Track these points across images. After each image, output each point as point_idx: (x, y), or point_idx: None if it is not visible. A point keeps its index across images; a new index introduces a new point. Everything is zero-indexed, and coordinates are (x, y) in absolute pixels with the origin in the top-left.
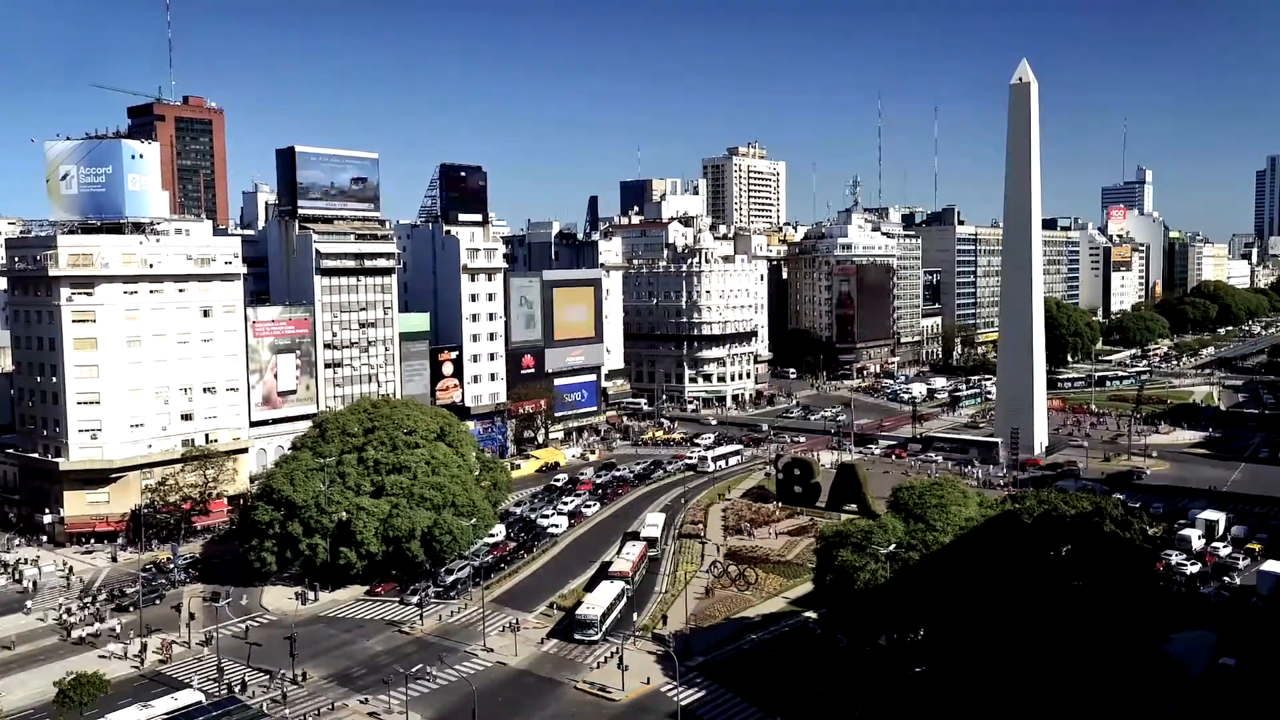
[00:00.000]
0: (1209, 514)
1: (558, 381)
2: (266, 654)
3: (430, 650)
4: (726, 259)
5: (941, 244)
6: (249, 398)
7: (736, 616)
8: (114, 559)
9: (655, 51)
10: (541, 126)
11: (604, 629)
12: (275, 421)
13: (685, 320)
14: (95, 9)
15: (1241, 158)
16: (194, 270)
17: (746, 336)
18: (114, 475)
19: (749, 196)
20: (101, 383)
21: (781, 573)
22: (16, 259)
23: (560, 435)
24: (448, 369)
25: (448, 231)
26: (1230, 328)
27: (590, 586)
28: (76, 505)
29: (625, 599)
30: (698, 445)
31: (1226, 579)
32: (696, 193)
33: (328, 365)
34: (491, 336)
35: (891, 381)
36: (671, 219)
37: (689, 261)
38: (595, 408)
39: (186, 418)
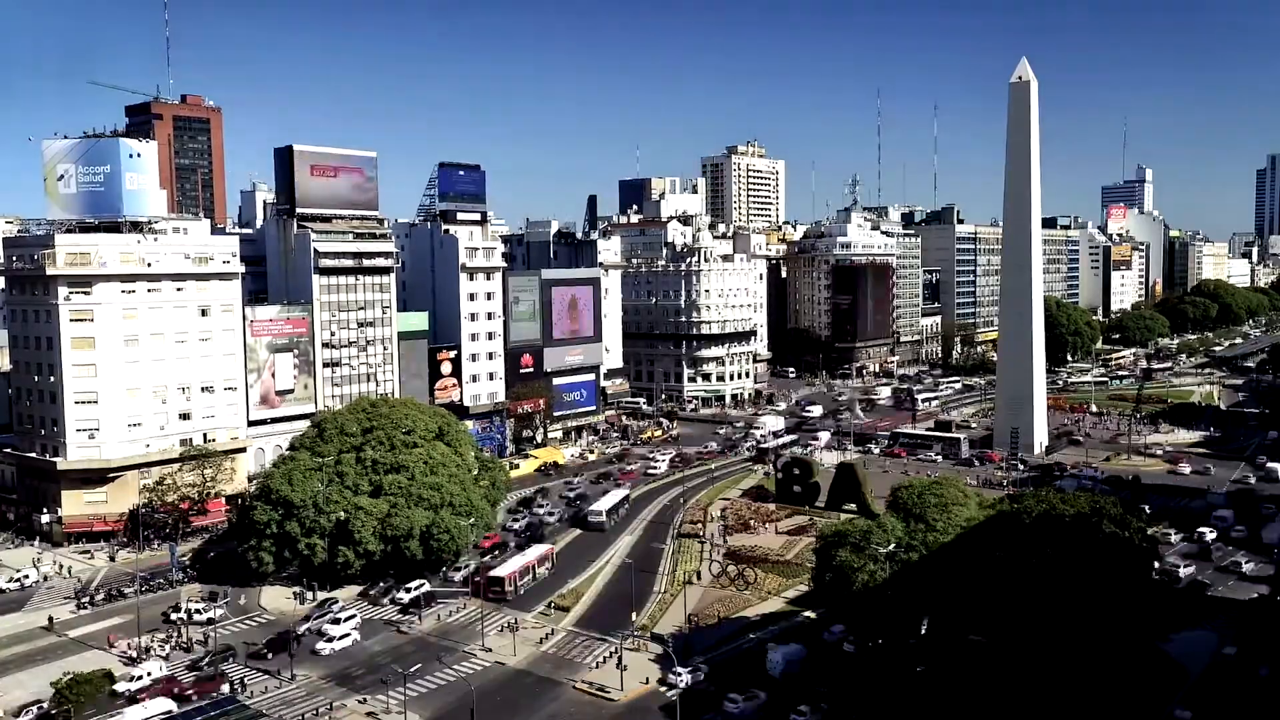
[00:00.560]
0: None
1: (556, 381)
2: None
3: (429, 650)
4: (725, 258)
5: (941, 243)
6: (247, 397)
7: (735, 616)
8: (112, 559)
9: (654, 50)
10: (540, 125)
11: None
12: (273, 421)
13: (684, 319)
14: (93, 7)
15: (1242, 156)
16: (192, 269)
17: (745, 336)
18: (112, 475)
19: (748, 195)
20: (99, 382)
21: (781, 572)
22: (14, 258)
23: (559, 434)
24: (446, 368)
25: (446, 230)
26: (1231, 326)
27: None
28: (74, 505)
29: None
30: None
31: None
32: (695, 192)
33: (326, 365)
34: (490, 336)
35: (896, 381)
36: (670, 218)
37: (688, 260)
38: (594, 407)
39: (184, 417)
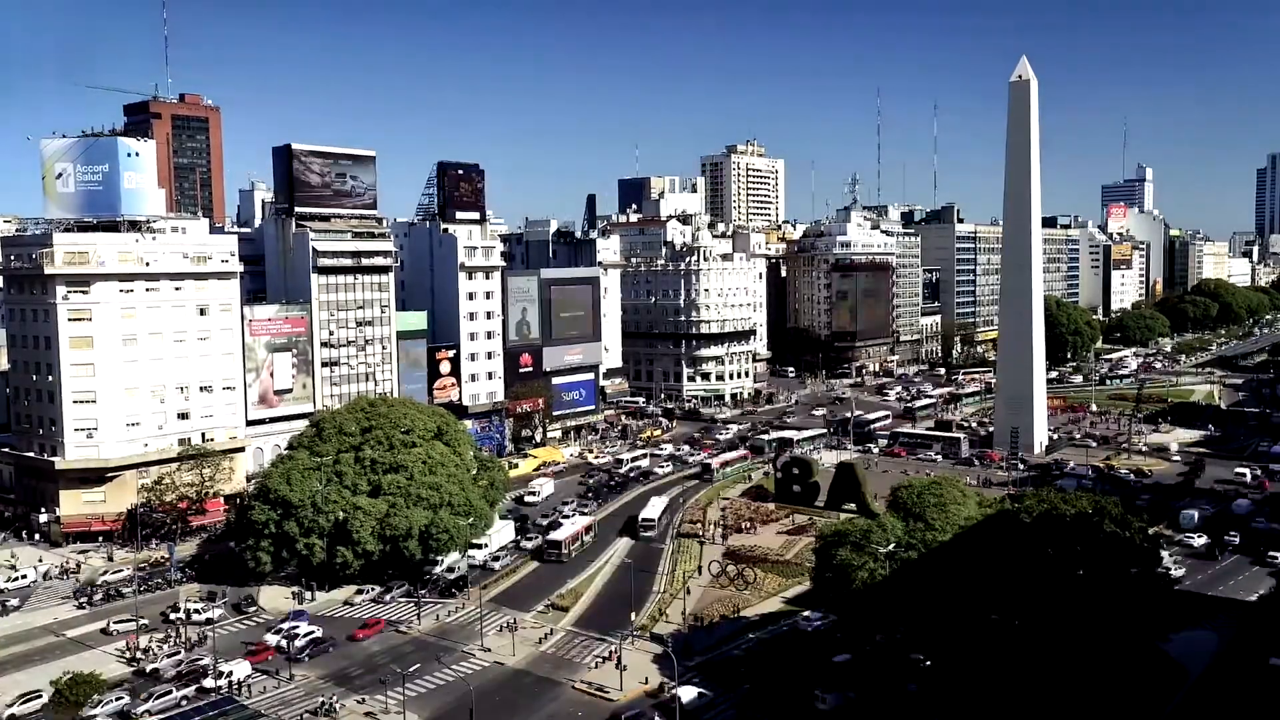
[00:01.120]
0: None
1: (555, 380)
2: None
3: (428, 650)
4: (725, 257)
5: (941, 242)
6: (245, 397)
7: (735, 616)
8: (110, 558)
9: (654, 49)
10: (539, 124)
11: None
12: (272, 420)
13: (683, 319)
14: (92, 6)
15: (1242, 155)
16: (190, 268)
17: (745, 335)
18: (110, 474)
19: (747, 194)
20: (97, 381)
21: (780, 572)
22: (12, 257)
23: (558, 434)
24: (445, 368)
25: (445, 230)
26: (1231, 325)
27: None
28: (72, 504)
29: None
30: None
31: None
32: (695, 191)
33: (324, 364)
34: (489, 335)
35: (896, 381)
36: (670, 217)
37: (687, 260)
38: (593, 406)
39: (183, 417)
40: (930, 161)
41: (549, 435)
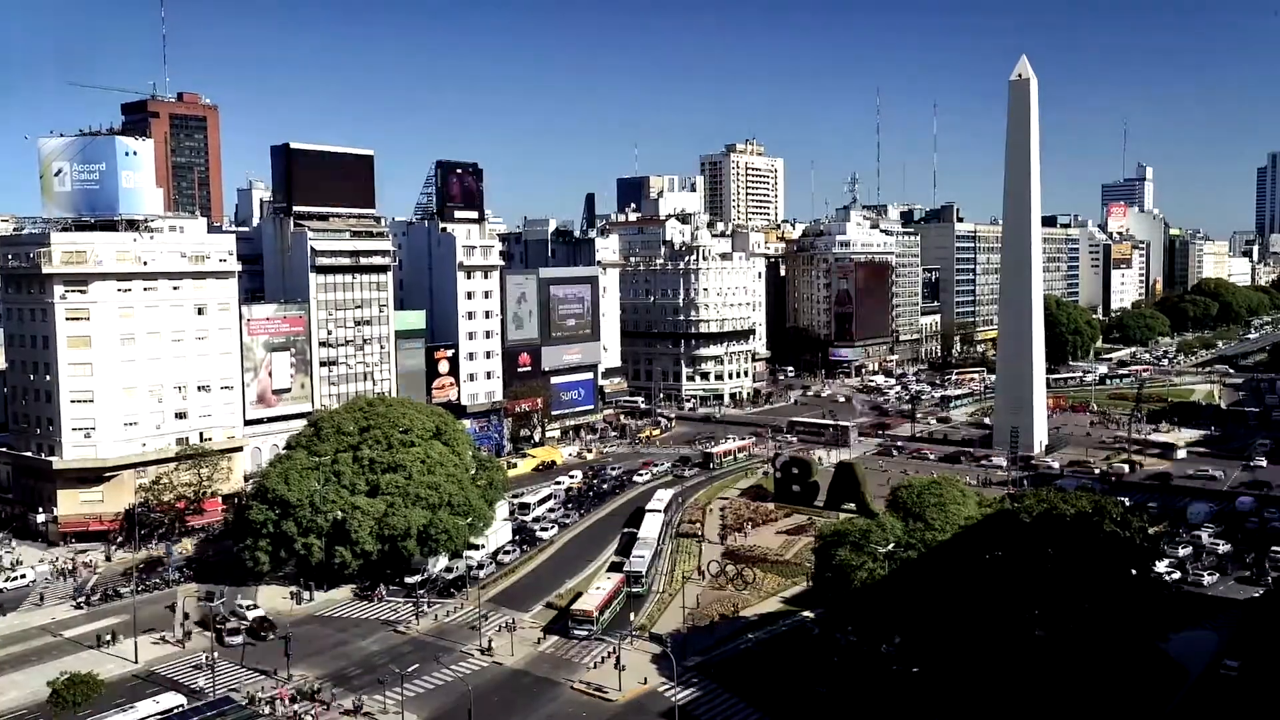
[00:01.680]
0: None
1: (554, 380)
2: (261, 654)
3: (426, 650)
4: (724, 256)
5: (940, 241)
6: (243, 396)
7: (734, 616)
8: (108, 558)
9: (653, 48)
10: (538, 123)
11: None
12: (270, 420)
13: (683, 318)
14: (90, 5)
15: (1242, 154)
16: (188, 268)
17: (744, 334)
18: (108, 474)
19: (747, 194)
20: (95, 381)
21: (779, 572)
22: (10, 256)
23: (557, 434)
24: (444, 367)
25: (444, 229)
26: (1231, 325)
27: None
28: (70, 504)
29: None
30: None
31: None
32: (694, 190)
33: (323, 363)
34: (488, 334)
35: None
36: (669, 216)
37: (686, 259)
38: (592, 406)
39: (181, 416)
40: (930, 161)
41: (548, 435)
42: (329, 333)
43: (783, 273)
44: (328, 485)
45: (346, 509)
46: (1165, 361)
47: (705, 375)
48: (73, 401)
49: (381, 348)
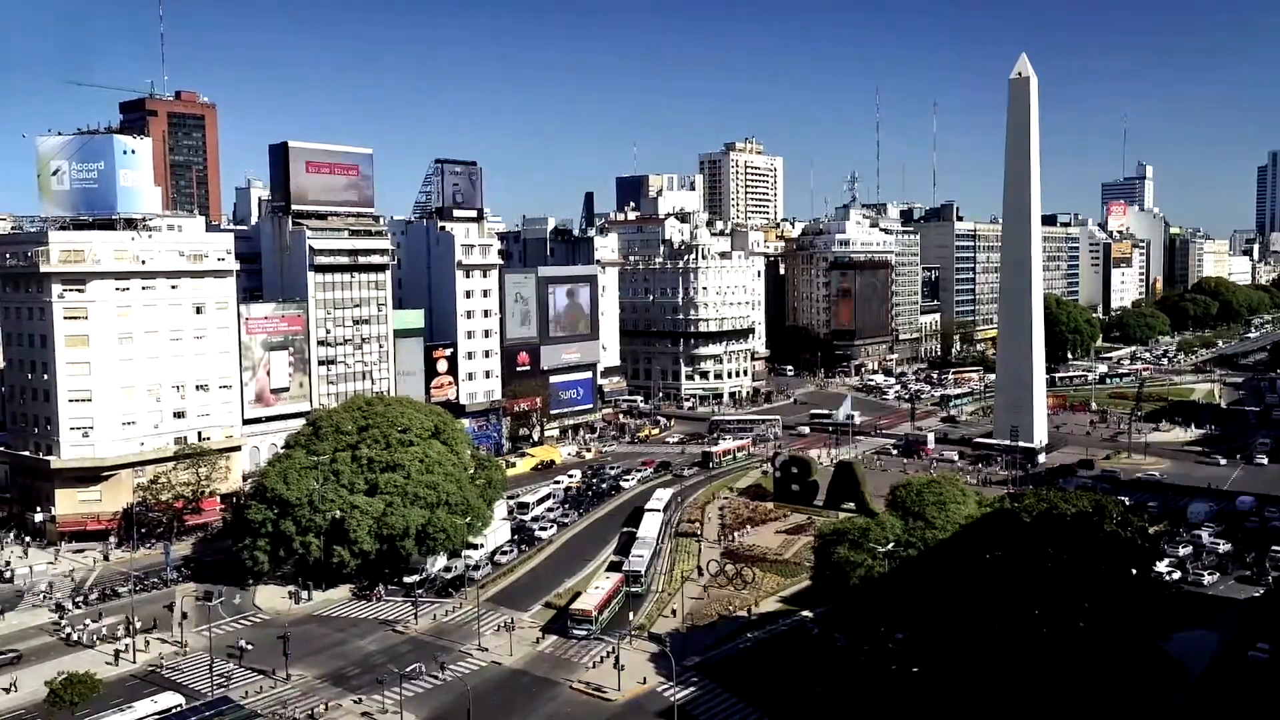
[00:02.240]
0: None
1: (553, 379)
2: (260, 654)
3: (425, 650)
4: (723, 255)
5: (940, 240)
6: (242, 395)
7: (733, 615)
8: (106, 558)
9: (652, 47)
10: (537, 122)
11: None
12: (268, 419)
13: (682, 317)
14: (88, 4)
15: (1243, 153)
16: (186, 266)
17: (743, 333)
18: (106, 473)
19: (746, 192)
20: (93, 380)
21: (779, 571)
22: (8, 255)
23: (556, 433)
24: (442, 366)
25: (442, 227)
26: (1231, 324)
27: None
28: (68, 504)
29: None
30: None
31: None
32: (693, 188)
33: (321, 362)
34: (486, 333)
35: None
36: (668, 215)
37: (685, 258)
38: (591, 405)
39: (179, 415)
40: (930, 159)
41: (546, 434)
42: (327, 332)
43: (782, 272)
44: (326, 484)
45: (345, 508)
46: (1165, 360)
47: (704, 374)
48: (71, 401)
49: (380, 347)
